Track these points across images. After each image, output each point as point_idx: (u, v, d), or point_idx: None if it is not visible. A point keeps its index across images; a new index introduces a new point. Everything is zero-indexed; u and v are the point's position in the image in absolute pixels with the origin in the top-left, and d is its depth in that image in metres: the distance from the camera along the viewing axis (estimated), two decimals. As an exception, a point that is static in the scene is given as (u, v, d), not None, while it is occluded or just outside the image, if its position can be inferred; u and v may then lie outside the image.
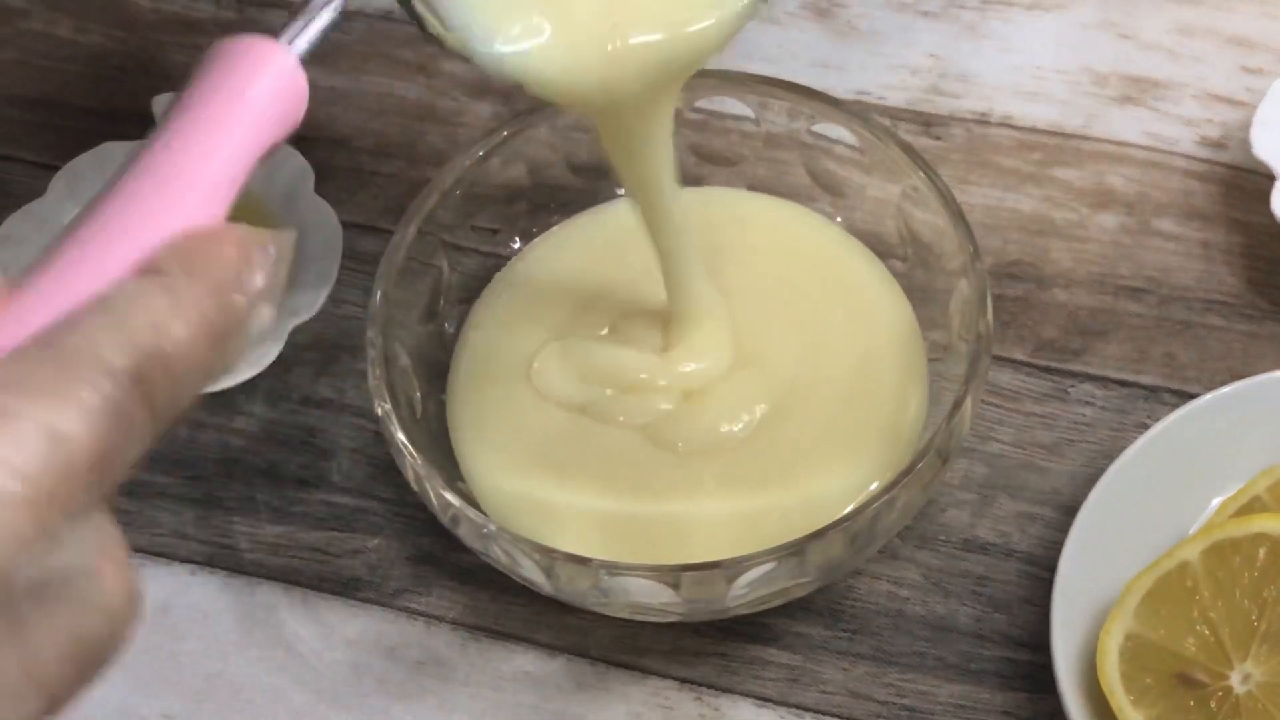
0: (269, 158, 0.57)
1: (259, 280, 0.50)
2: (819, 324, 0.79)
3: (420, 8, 0.69)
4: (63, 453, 0.44)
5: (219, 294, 0.48)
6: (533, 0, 0.68)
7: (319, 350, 0.84)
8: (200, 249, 0.49)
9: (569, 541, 0.72)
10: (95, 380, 0.45)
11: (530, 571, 0.72)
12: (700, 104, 0.81)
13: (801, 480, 0.75)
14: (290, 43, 0.59)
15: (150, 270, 0.48)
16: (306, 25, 0.60)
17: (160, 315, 0.47)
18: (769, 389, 0.77)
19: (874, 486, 0.74)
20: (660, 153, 0.72)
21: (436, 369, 0.79)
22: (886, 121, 0.84)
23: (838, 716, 0.75)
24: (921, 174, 0.77)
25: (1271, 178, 0.82)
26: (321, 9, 0.61)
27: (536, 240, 0.82)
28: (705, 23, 0.67)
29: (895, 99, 0.88)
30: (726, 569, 0.69)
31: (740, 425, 0.76)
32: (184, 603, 0.78)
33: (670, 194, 0.73)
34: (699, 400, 0.77)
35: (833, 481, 0.74)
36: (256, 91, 0.57)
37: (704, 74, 0.81)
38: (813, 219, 0.82)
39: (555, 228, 0.82)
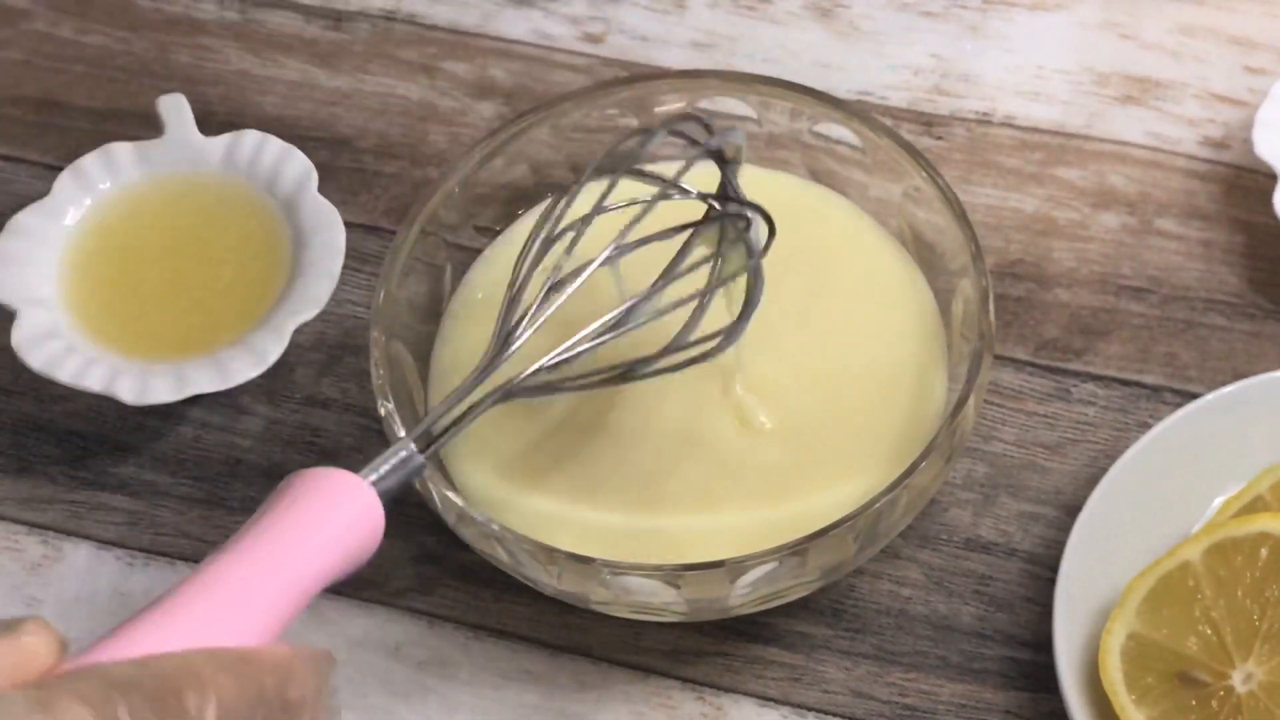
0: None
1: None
2: (841, 316, 0.78)
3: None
4: None
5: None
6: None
7: (322, 350, 0.84)
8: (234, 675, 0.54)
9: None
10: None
11: (533, 571, 0.72)
12: (702, 104, 0.81)
13: (817, 486, 0.74)
14: (373, 481, 0.62)
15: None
16: (390, 466, 0.64)
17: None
18: (786, 387, 0.77)
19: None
20: None
21: (439, 369, 0.79)
22: (888, 122, 0.84)
23: (840, 716, 0.75)
24: (924, 174, 0.77)
25: (1273, 177, 0.82)
26: (403, 453, 0.64)
27: (501, 237, 0.82)
28: None
29: (897, 99, 0.89)
30: (729, 569, 0.70)
31: (755, 427, 0.76)
32: (187, 602, 0.78)
33: None
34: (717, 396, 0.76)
35: (851, 484, 0.74)
36: (331, 526, 0.60)
37: (705, 74, 0.82)
38: (838, 201, 0.81)
39: (517, 222, 0.82)
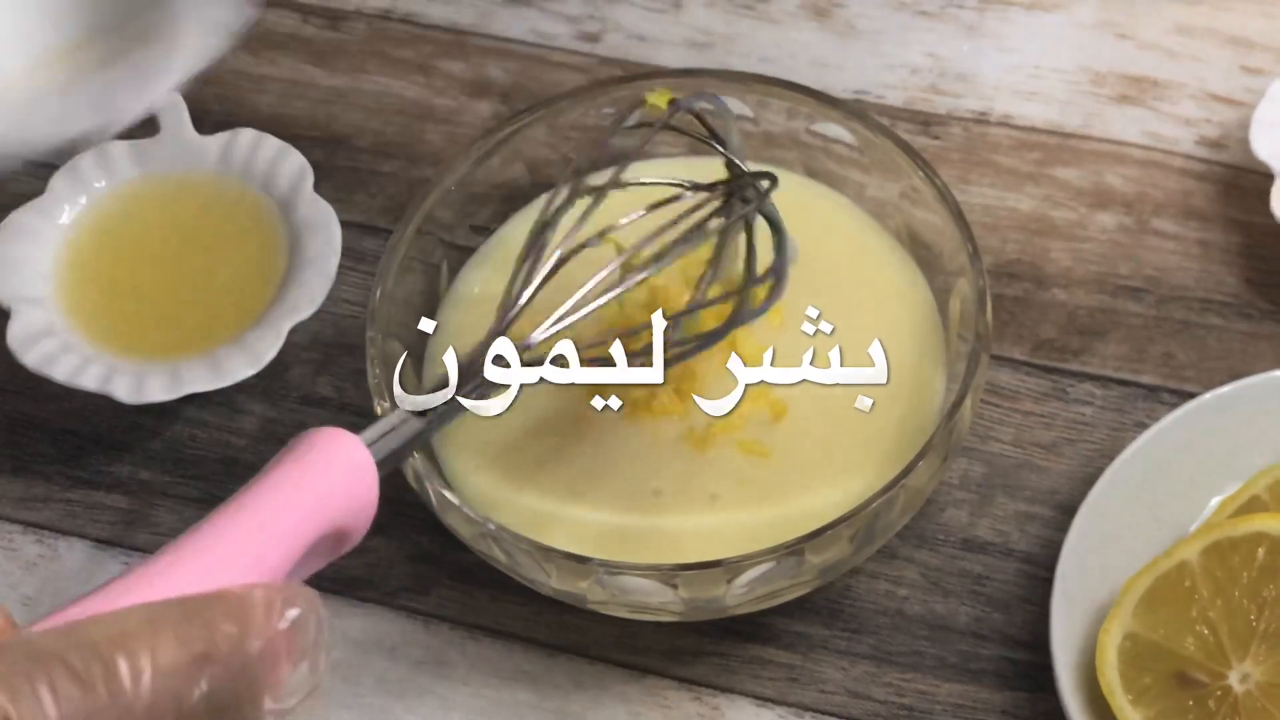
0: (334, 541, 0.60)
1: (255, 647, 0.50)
2: (838, 315, 0.78)
3: None
4: None
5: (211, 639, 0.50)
6: None
7: (318, 349, 0.84)
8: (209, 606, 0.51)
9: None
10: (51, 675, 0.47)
11: (529, 570, 0.72)
12: (700, 104, 0.81)
13: (814, 485, 0.74)
14: (369, 444, 0.61)
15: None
16: (388, 431, 0.63)
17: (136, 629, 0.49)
18: (783, 386, 0.76)
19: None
20: None
21: (436, 368, 0.79)
22: (885, 121, 0.84)
23: (837, 716, 0.75)
24: (921, 173, 0.77)
25: (1270, 177, 0.82)
26: (405, 421, 0.64)
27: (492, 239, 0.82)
28: None
29: (894, 98, 0.89)
30: (726, 569, 0.69)
31: (753, 424, 0.76)
32: (183, 602, 0.78)
33: None
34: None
35: (848, 484, 0.74)
36: (319, 478, 0.59)
37: (703, 73, 0.82)
38: (835, 200, 0.81)
39: (512, 220, 0.82)
